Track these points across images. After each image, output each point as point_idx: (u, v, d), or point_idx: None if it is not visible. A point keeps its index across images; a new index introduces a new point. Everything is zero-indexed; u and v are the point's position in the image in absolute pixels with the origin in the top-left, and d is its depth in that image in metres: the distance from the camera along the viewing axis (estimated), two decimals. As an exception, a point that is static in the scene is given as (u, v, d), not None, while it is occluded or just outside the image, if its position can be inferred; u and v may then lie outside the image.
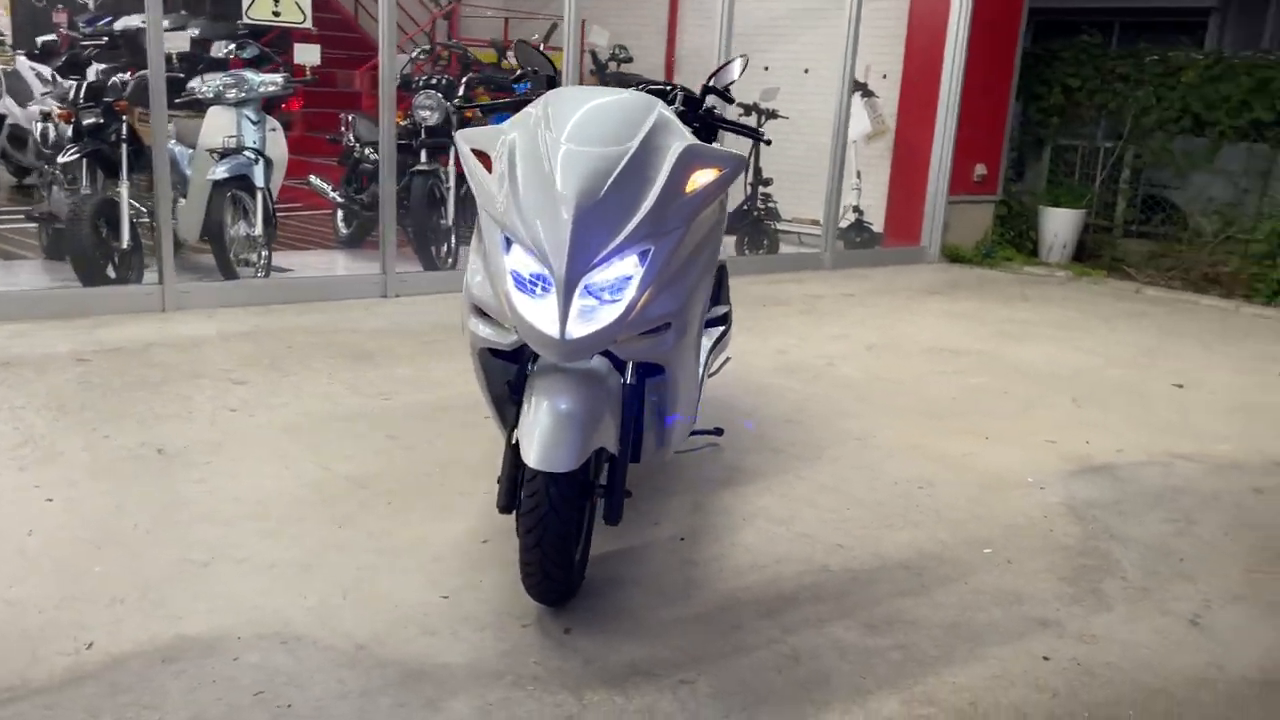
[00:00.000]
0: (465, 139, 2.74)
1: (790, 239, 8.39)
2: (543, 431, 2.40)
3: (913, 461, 3.90)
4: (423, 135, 6.52)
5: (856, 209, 8.36)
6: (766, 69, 8.36)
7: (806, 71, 8.07)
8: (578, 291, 2.37)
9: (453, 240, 6.64)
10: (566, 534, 2.43)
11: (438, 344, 5.09)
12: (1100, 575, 3.03)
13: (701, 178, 2.57)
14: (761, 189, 7.86)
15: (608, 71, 8.16)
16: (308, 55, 6.16)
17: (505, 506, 2.63)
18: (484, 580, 2.77)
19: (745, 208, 7.76)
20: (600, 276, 2.41)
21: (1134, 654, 2.60)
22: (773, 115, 7.85)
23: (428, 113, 6.51)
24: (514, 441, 2.59)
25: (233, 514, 3.08)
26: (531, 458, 2.38)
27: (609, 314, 2.41)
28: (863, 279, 7.81)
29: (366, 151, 7.19)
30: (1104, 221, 9.39)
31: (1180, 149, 8.92)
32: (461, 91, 6.79)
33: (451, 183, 6.57)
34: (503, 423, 2.87)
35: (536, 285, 2.42)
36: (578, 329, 2.38)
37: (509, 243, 2.47)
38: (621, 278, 2.43)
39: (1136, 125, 9.03)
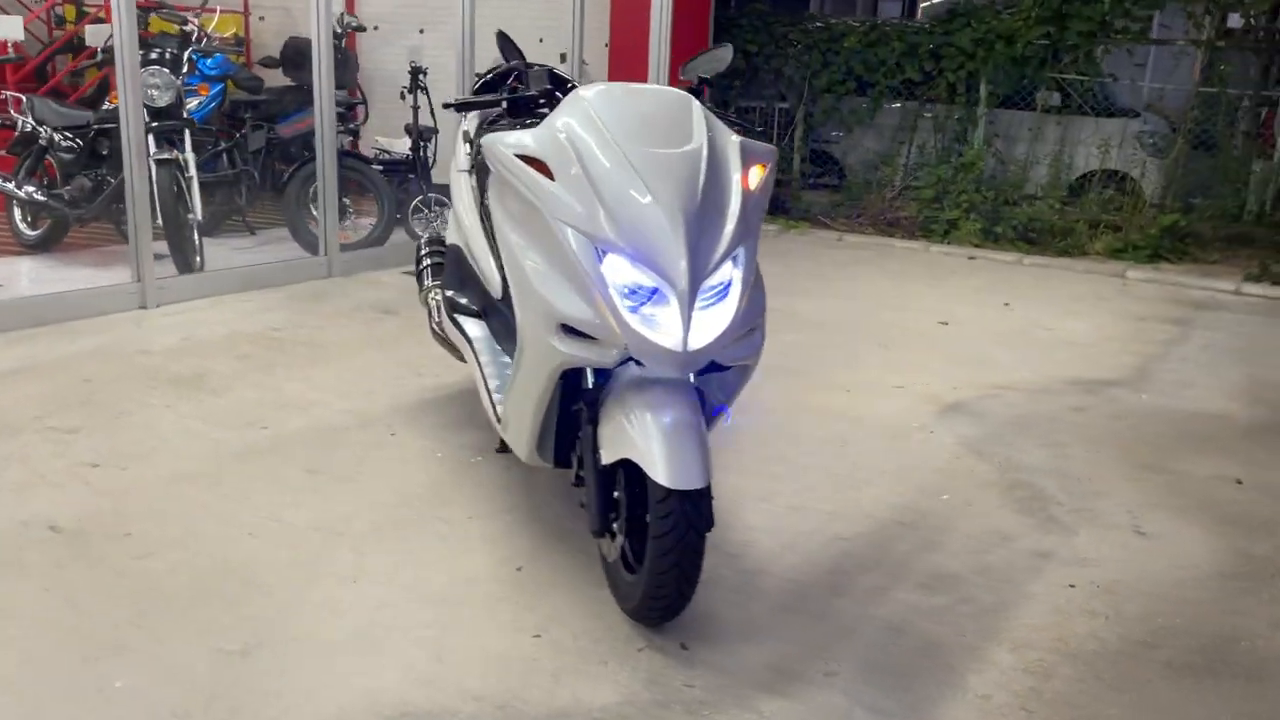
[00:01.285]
0: (508, 145, 2.52)
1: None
2: (667, 447, 2.31)
3: (813, 420, 4.14)
4: (153, 118, 5.70)
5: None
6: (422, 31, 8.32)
7: (541, 41, 7.98)
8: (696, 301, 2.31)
9: (197, 237, 5.90)
10: (701, 550, 2.37)
11: (255, 358, 4.57)
12: (1042, 504, 3.45)
13: (757, 173, 2.56)
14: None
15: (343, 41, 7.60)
16: (6, 29, 5.16)
17: (600, 530, 2.51)
18: (561, 610, 2.62)
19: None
20: (707, 283, 2.35)
21: (1124, 568, 3.01)
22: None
23: (157, 92, 5.70)
24: (601, 464, 2.47)
25: (236, 595, 2.64)
26: (662, 476, 2.28)
27: (718, 320, 2.36)
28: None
29: (56, 138, 6.18)
30: (783, 175, 10.22)
31: (847, 108, 9.92)
32: (185, 69, 6.02)
33: (194, 172, 5.83)
34: (539, 447, 2.72)
35: (640, 295, 2.31)
36: (697, 339, 2.32)
37: (602, 253, 2.33)
38: (723, 283, 2.39)
39: (809, 87, 9.90)
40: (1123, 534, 3.25)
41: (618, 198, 2.35)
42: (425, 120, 7.32)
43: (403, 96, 7.38)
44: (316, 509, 3.12)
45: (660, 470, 2.29)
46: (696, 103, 2.64)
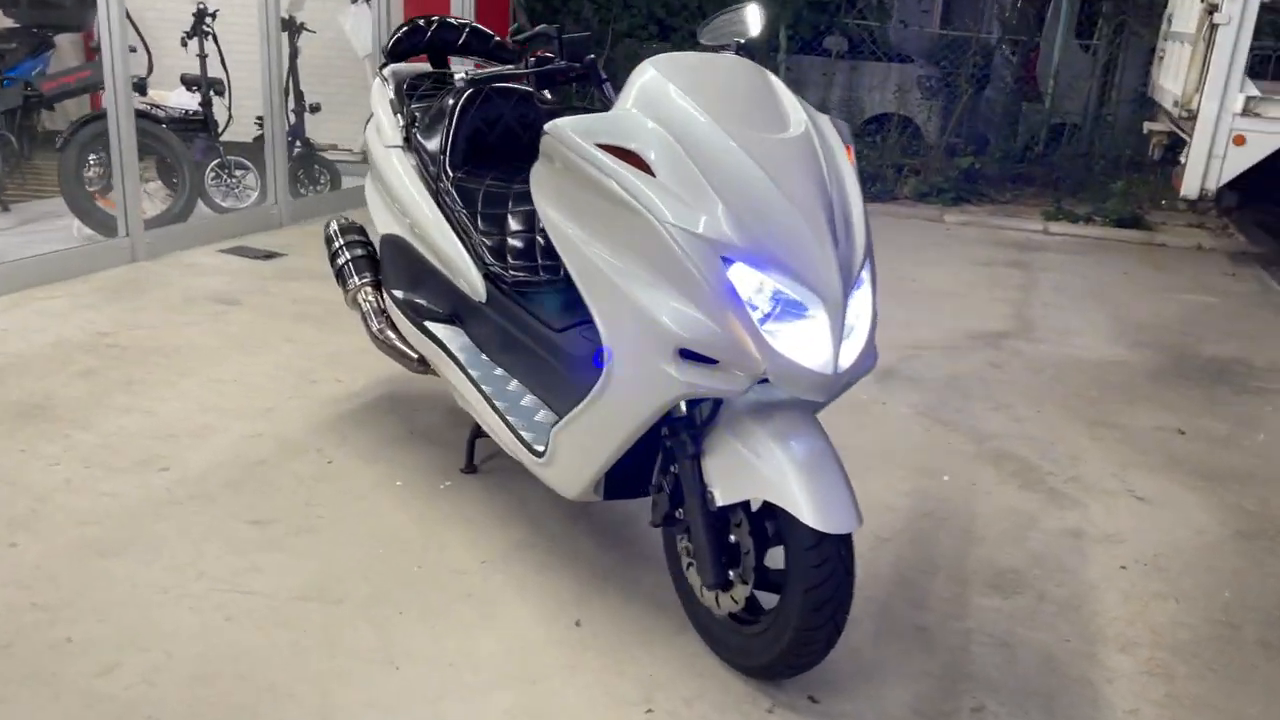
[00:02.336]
0: (584, 133, 2.06)
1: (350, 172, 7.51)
2: (811, 484, 1.98)
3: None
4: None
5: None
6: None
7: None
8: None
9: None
10: (852, 595, 2.08)
11: (101, 373, 3.75)
12: (1037, 476, 3.39)
13: (849, 156, 2.25)
14: (308, 115, 6.90)
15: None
16: None
17: (719, 583, 2.16)
18: (656, 673, 2.25)
19: (291, 139, 6.75)
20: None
21: (1151, 539, 3.00)
22: (301, 28, 6.86)
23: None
24: (716, 506, 2.11)
25: (259, 711, 2.07)
26: (813, 519, 1.96)
27: (860, 334, 2.05)
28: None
29: None
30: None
31: (648, 54, 9.64)
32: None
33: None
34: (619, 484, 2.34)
35: (777, 309, 1.96)
36: (846, 357, 2.00)
37: (728, 261, 1.95)
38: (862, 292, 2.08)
39: (610, 33, 9.53)
40: (1125, 500, 3.24)
41: (741, 194, 1.96)
42: (214, 71, 6.39)
43: (184, 43, 6.40)
44: (290, 573, 2.55)
45: (808, 512, 1.96)
46: (771, 75, 2.29)
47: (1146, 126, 8.15)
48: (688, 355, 2.00)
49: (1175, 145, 7.55)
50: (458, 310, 2.94)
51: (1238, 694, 2.31)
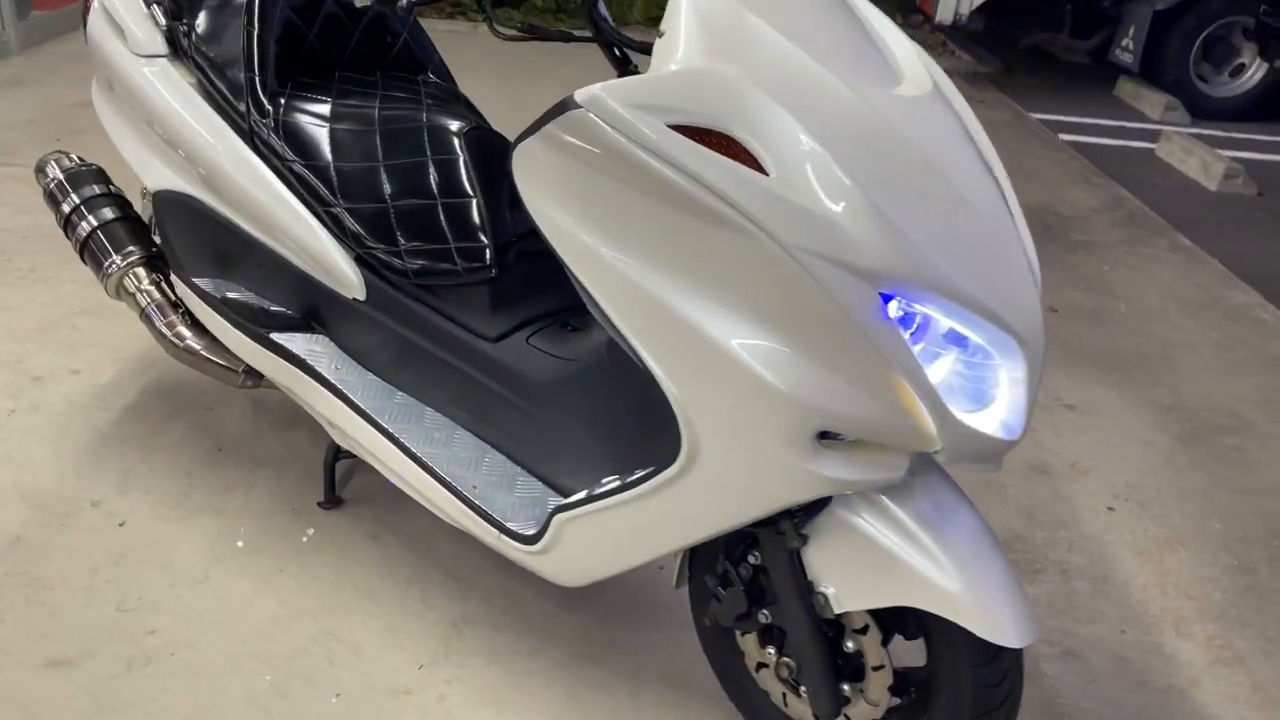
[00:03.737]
0: (644, 107, 1.26)
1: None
2: (981, 585, 1.43)
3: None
4: None
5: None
6: None
7: None
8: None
9: None
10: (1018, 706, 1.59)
11: None
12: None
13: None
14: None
15: None
16: None
17: (834, 712, 1.59)
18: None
19: None
20: None
21: (1112, 462, 2.76)
22: None
23: None
24: (831, 612, 1.52)
25: None
26: (989, 631, 1.43)
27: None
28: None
29: None
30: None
31: None
32: None
33: None
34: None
35: (947, 356, 1.35)
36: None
37: (886, 298, 1.29)
38: None
39: None
40: (1060, 414, 2.99)
41: (897, 191, 1.29)
42: None
43: None
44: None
45: (983, 624, 1.41)
46: None
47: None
48: (823, 436, 1.35)
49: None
50: (314, 310, 2.04)
51: (1310, 666, 2.13)
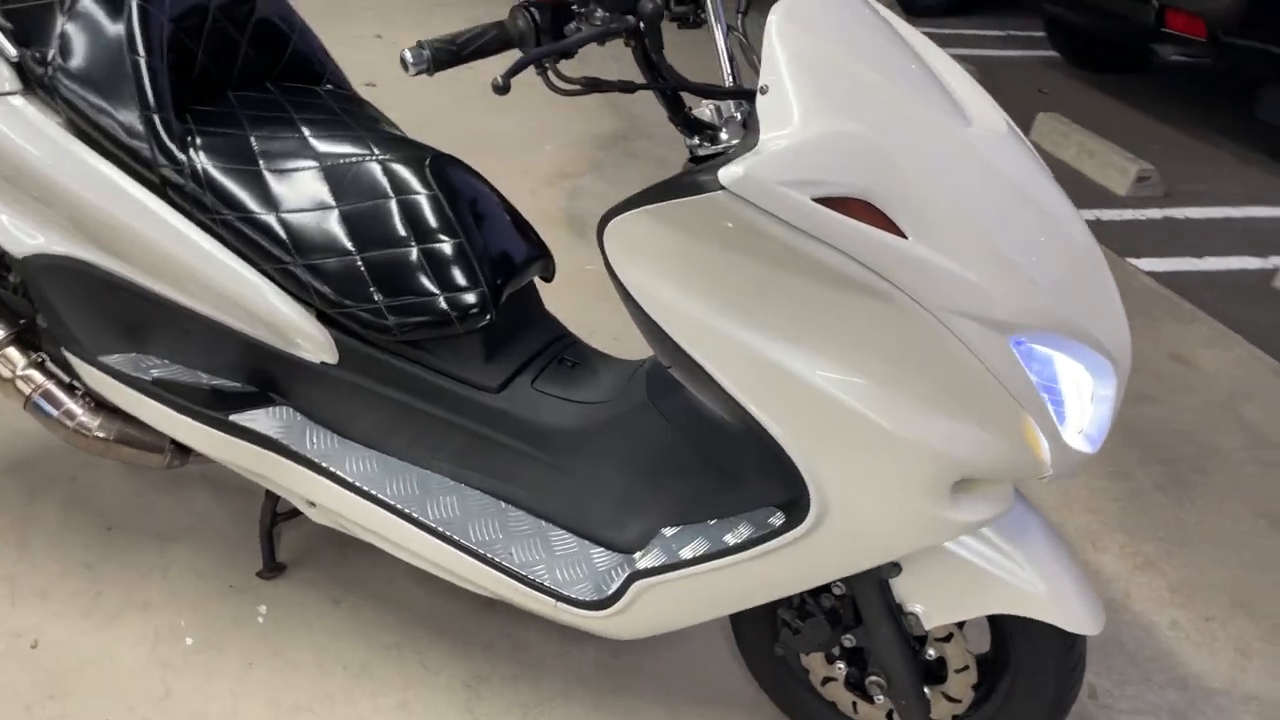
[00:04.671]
0: (789, 182, 1.16)
1: None
2: (1062, 582, 1.52)
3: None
4: None
5: None
6: None
7: None
8: None
9: None
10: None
11: None
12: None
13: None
14: None
15: None
16: None
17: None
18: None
19: None
20: None
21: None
22: None
23: None
24: (922, 629, 1.56)
25: None
26: (1074, 623, 1.52)
27: None
28: None
29: None
30: None
31: None
32: None
33: None
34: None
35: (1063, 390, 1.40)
36: None
37: (1017, 343, 1.31)
38: None
39: None
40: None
41: (1016, 236, 1.29)
42: None
43: None
44: None
45: (1070, 618, 1.51)
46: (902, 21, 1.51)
47: None
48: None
49: None
50: (269, 379, 1.78)
51: (1212, 561, 2.42)
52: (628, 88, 1.35)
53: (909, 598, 1.56)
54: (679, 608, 1.58)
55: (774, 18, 1.25)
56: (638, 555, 1.62)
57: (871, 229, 1.20)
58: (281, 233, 1.64)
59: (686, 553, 1.53)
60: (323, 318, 1.69)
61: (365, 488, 1.71)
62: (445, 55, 1.25)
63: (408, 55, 1.23)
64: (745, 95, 1.41)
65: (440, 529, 1.68)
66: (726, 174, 1.18)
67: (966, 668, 1.63)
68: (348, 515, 1.74)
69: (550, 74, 1.31)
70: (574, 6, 1.33)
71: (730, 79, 1.43)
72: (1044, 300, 1.28)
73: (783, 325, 1.29)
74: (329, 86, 1.98)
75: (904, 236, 1.22)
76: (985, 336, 1.26)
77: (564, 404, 1.70)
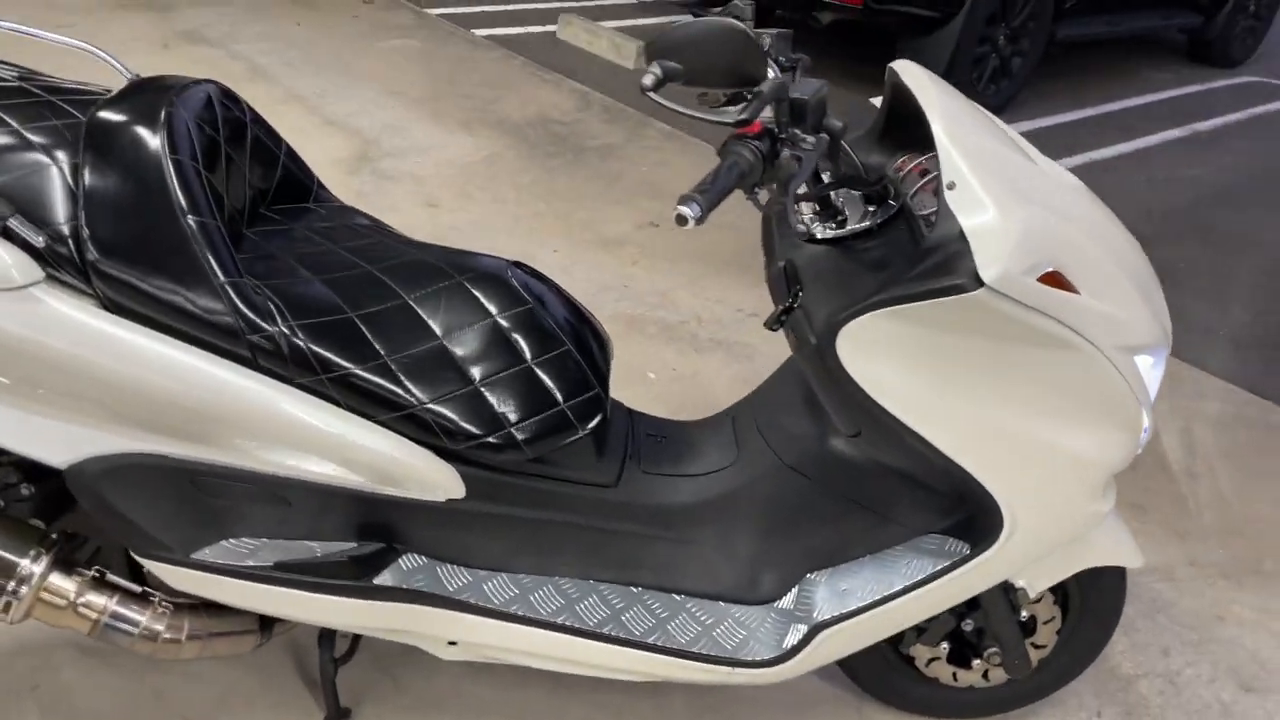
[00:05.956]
0: (1025, 269, 1.35)
1: None
2: (1118, 525, 1.89)
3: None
4: None
5: None
6: None
7: None
8: None
9: None
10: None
11: None
12: (677, 334, 3.37)
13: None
14: None
15: None
16: None
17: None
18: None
19: None
20: None
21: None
22: None
23: None
24: (1029, 598, 1.84)
25: None
26: (1137, 559, 1.87)
27: None
28: None
29: None
30: None
31: None
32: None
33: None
34: None
35: None
36: None
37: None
38: None
39: None
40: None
41: (1129, 270, 1.57)
42: None
43: None
44: None
45: (1132, 555, 1.87)
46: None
47: None
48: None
49: None
50: (387, 529, 1.64)
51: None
52: (828, 187, 1.46)
53: (1017, 576, 1.83)
54: (854, 643, 1.74)
55: (938, 123, 1.42)
56: (783, 603, 1.75)
57: (1068, 294, 1.42)
58: (398, 378, 1.55)
59: (863, 594, 1.69)
60: (443, 453, 1.62)
61: (515, 611, 1.68)
62: (711, 204, 1.28)
63: (686, 211, 1.25)
64: (872, 184, 1.58)
65: (601, 630, 1.70)
66: (990, 273, 1.34)
67: (1053, 618, 1.94)
68: (497, 643, 1.70)
69: (759, 196, 1.39)
70: (776, 131, 1.40)
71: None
72: (1155, 323, 1.58)
73: (1000, 389, 1.49)
74: (327, 200, 1.84)
75: (1078, 293, 1.45)
76: (1126, 359, 1.53)
77: (679, 481, 1.77)
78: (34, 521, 1.59)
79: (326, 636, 1.86)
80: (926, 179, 1.62)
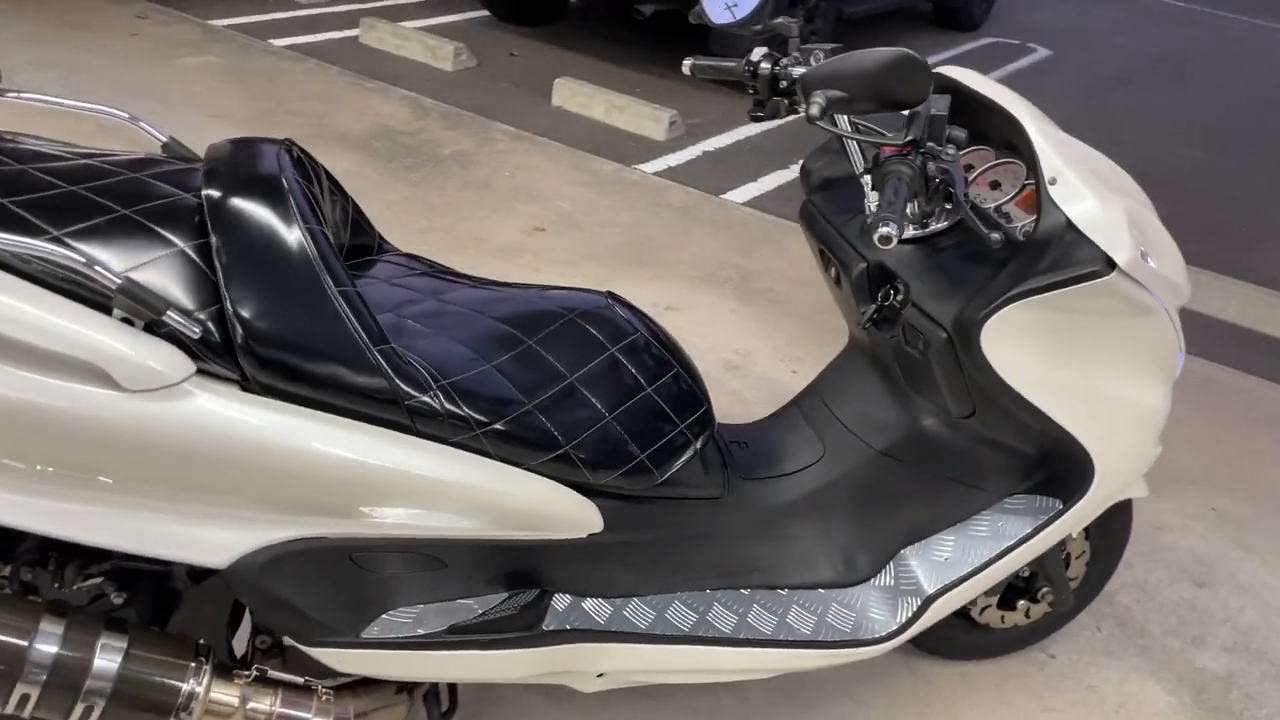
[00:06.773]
0: (1137, 246, 1.54)
1: None
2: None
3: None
4: None
5: None
6: None
7: None
8: None
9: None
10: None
11: None
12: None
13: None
14: None
15: None
16: None
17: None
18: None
19: None
20: None
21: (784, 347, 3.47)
22: None
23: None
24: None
25: None
26: (1142, 491, 2.12)
27: None
28: None
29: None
30: None
31: None
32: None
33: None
34: None
35: None
36: None
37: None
38: None
39: None
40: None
41: (1166, 235, 1.80)
42: None
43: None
44: None
45: (1140, 488, 2.13)
46: None
47: None
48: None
49: None
50: (532, 573, 1.62)
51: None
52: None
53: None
54: (954, 606, 1.89)
55: (1029, 125, 1.58)
56: (880, 580, 1.88)
57: (1154, 267, 1.62)
58: (543, 422, 1.54)
59: (967, 560, 1.84)
60: (580, 489, 1.62)
61: (659, 632, 1.71)
62: (901, 218, 1.36)
63: (890, 231, 1.32)
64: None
65: (740, 636, 1.77)
66: (1121, 258, 1.51)
67: (1084, 552, 2.17)
68: (643, 667, 1.73)
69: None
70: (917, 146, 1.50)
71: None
72: (1187, 279, 1.81)
73: (1103, 358, 1.68)
74: (380, 248, 1.78)
75: (1153, 265, 1.65)
76: (1176, 316, 1.76)
77: (777, 482, 1.86)
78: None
79: (432, 693, 1.82)
80: (973, 175, 1.77)
